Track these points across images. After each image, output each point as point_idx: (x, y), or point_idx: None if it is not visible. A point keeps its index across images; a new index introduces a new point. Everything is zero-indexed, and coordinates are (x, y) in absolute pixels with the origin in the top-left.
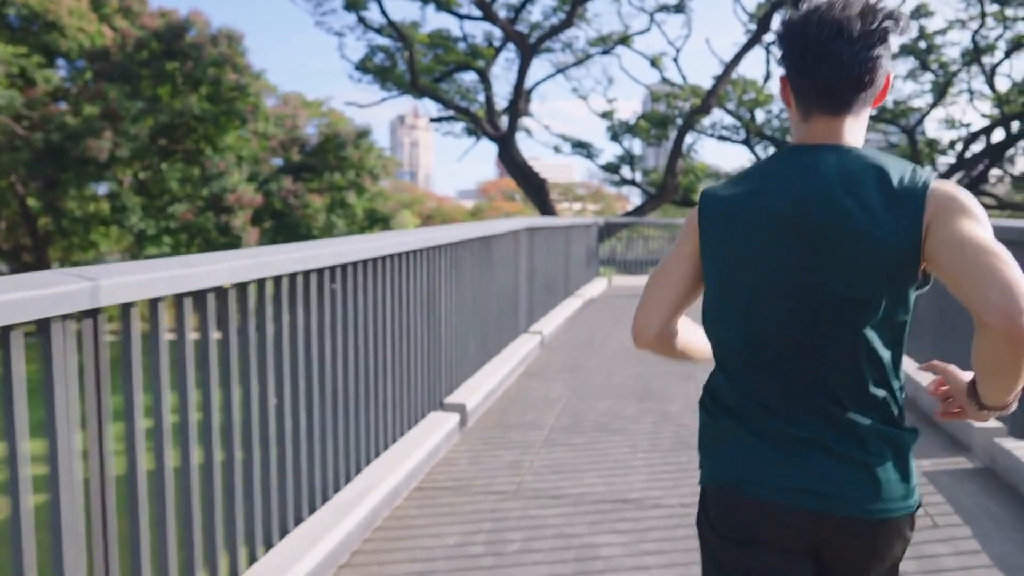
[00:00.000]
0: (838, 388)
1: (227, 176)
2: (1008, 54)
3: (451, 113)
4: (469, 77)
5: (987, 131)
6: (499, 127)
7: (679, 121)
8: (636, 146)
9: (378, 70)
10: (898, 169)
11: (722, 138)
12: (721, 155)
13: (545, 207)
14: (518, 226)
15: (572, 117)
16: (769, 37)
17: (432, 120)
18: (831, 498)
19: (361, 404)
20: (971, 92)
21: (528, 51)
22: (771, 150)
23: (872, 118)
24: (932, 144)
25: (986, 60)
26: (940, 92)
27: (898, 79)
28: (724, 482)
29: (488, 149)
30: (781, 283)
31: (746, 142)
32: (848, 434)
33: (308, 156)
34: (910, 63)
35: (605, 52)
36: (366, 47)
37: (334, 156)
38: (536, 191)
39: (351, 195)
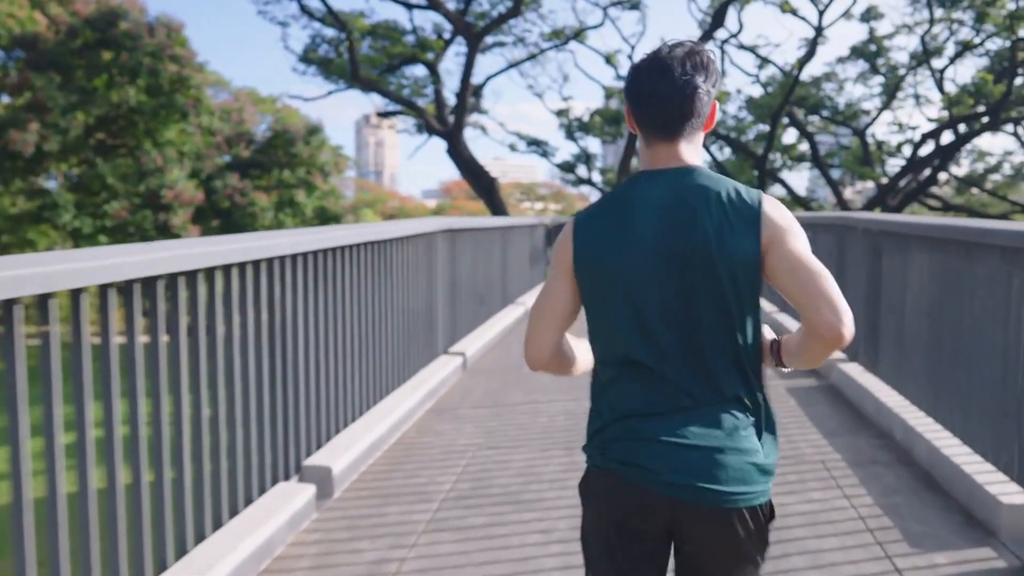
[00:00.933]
0: (702, 384)
1: (165, 172)
2: (955, 57)
3: (399, 108)
4: (420, 71)
5: (936, 133)
6: (448, 123)
7: None
8: (595, 145)
9: (321, 62)
10: (735, 188)
11: None
12: None
13: (496, 206)
14: (434, 227)
15: (536, 119)
16: (722, 34)
17: (379, 115)
18: (699, 487)
19: (187, 466)
20: (917, 97)
21: (474, 41)
22: (726, 150)
23: (824, 119)
24: (881, 146)
25: (935, 63)
26: (890, 94)
27: (848, 82)
28: (609, 467)
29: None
30: (653, 297)
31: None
32: (713, 432)
33: (257, 152)
34: (860, 66)
35: (559, 47)
36: (309, 38)
37: (284, 153)
38: (486, 189)
39: (300, 193)
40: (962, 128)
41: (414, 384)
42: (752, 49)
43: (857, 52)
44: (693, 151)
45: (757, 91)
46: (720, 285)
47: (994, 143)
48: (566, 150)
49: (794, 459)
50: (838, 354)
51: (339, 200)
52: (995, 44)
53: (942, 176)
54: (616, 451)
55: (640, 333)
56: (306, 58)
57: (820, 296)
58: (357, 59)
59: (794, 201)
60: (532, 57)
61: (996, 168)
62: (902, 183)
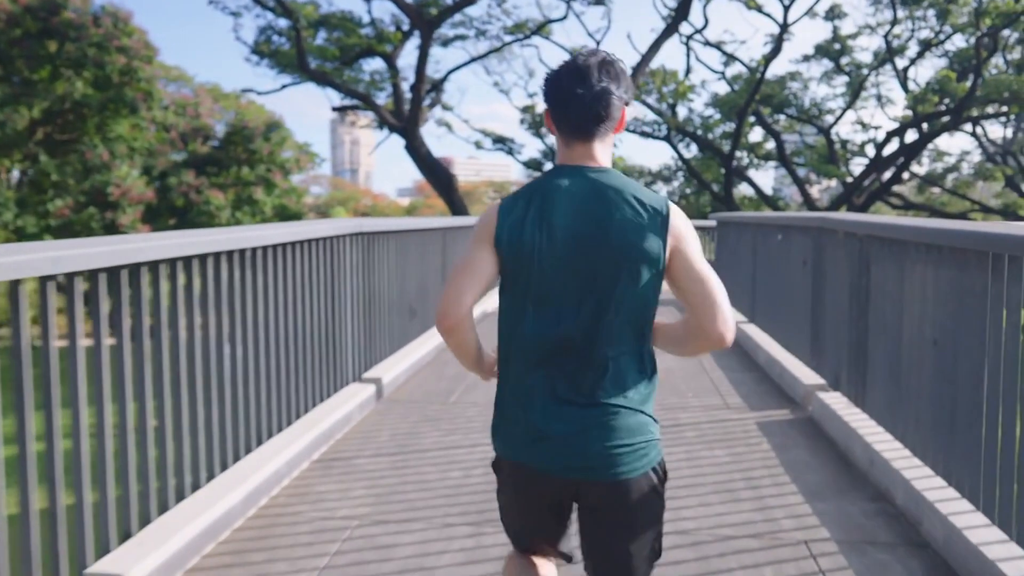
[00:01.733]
0: (599, 370)
1: (112, 168)
2: (919, 55)
3: (355, 103)
4: (379, 65)
5: (900, 131)
6: (406, 118)
7: None
8: None
9: (272, 54)
10: (644, 191)
11: (644, 134)
12: (643, 152)
13: (456, 205)
14: (339, 230)
15: (508, 118)
16: (687, 29)
17: (334, 109)
18: (592, 468)
19: None
20: (880, 97)
21: (427, 29)
22: (692, 147)
23: (790, 117)
24: (846, 145)
25: (899, 62)
26: (854, 93)
27: (812, 81)
28: (515, 458)
29: (442, 144)
30: (564, 281)
31: (667, 139)
32: (605, 410)
33: (216, 149)
34: (825, 65)
35: (522, 42)
36: (259, 29)
37: (244, 149)
38: (444, 187)
39: (259, 191)
40: (926, 126)
41: (303, 426)
42: (718, 46)
43: (822, 51)
44: (604, 151)
45: (723, 88)
46: (626, 277)
47: (951, 143)
48: (534, 147)
49: (768, 536)
50: (815, 379)
51: (300, 198)
52: (957, 43)
53: (906, 174)
54: (513, 440)
55: (535, 324)
56: (257, 50)
57: (714, 305)
58: (304, 49)
59: (761, 200)
60: (495, 51)
61: (955, 167)
62: (867, 181)
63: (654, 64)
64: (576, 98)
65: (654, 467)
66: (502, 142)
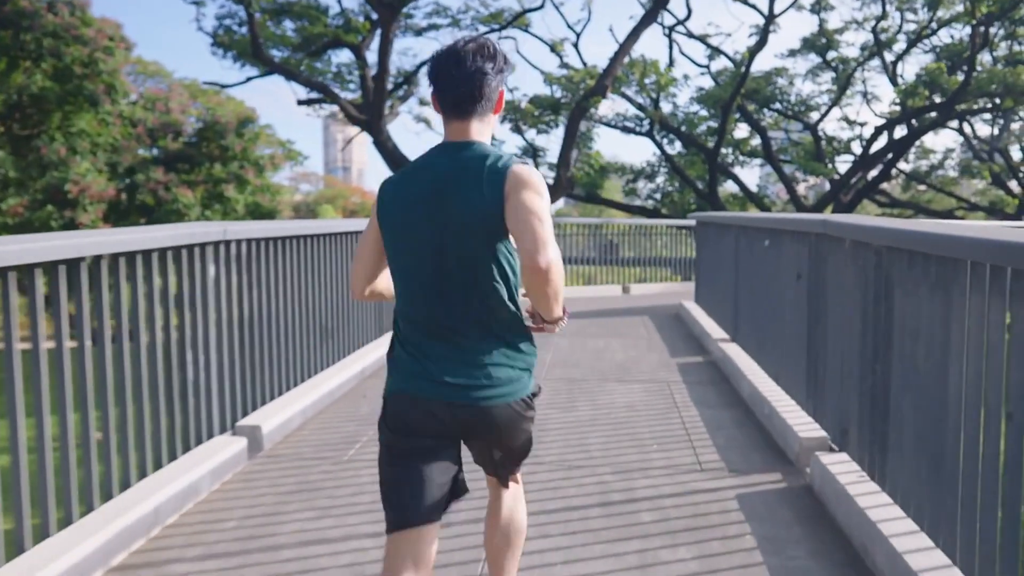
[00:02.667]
0: (463, 317)
1: (71, 164)
2: (908, 48)
3: (319, 96)
4: (348, 56)
5: (889, 127)
6: (382, 114)
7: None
8: (543, 139)
9: (232, 44)
10: (496, 157)
11: (626, 129)
12: (625, 148)
13: None
14: (195, 238)
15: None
16: (669, 20)
17: (299, 103)
18: (462, 394)
19: None
20: (866, 94)
21: (387, 13)
22: (677, 144)
23: (776, 112)
24: (831, 141)
25: (887, 57)
26: (841, 88)
27: (798, 78)
28: (399, 390)
29: (420, 142)
30: (426, 243)
31: (650, 134)
32: (472, 349)
33: (187, 145)
34: (810, 60)
35: (498, 31)
36: (217, 19)
37: (216, 146)
38: None
39: (230, 188)
40: (915, 122)
41: (114, 509)
42: (702, 39)
43: (808, 44)
44: (482, 129)
45: (708, 83)
46: (473, 243)
47: (936, 141)
48: (514, 143)
49: None
50: (814, 430)
51: (276, 196)
52: (943, 38)
53: (894, 171)
54: (401, 377)
55: (411, 282)
56: (218, 40)
57: (530, 232)
58: (258, 36)
59: (747, 197)
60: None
61: (941, 164)
62: (854, 179)
63: (635, 55)
64: (452, 79)
65: (522, 398)
66: None
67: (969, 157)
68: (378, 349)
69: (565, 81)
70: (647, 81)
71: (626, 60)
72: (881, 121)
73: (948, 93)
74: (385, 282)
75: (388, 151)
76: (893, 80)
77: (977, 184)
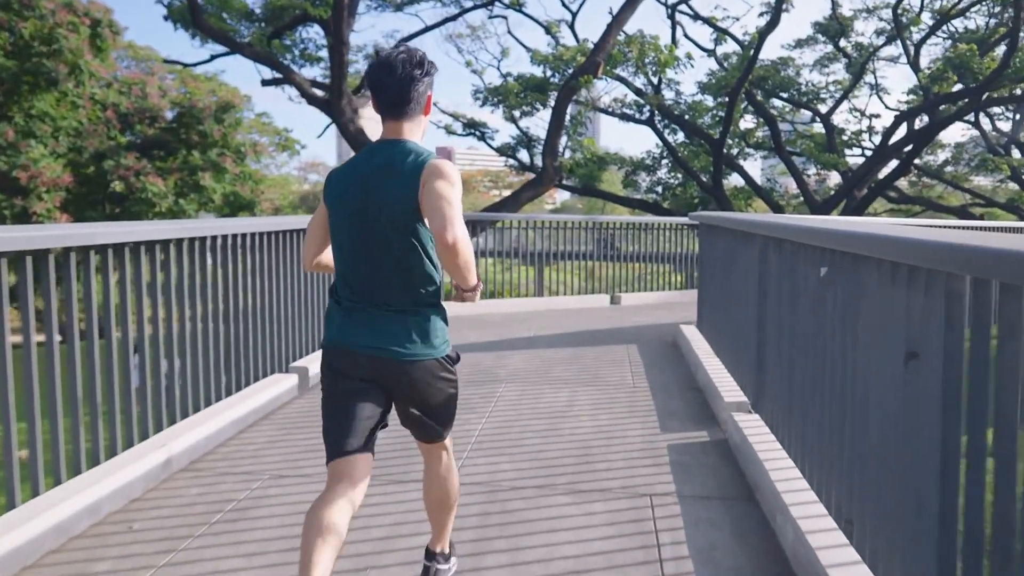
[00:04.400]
0: (387, 287)
1: (21, 149)
2: (935, 27)
3: (280, 75)
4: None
5: (909, 116)
6: (343, 93)
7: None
8: (538, 126)
9: (180, 16)
10: (418, 153)
11: (625, 117)
12: (624, 137)
13: None
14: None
15: None
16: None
17: (263, 83)
18: (382, 348)
19: None
20: (876, 86)
21: None
22: (680, 135)
23: (785, 101)
24: (842, 132)
25: (907, 39)
26: (856, 75)
27: (804, 68)
28: (332, 341)
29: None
30: (359, 224)
31: (651, 122)
32: (393, 313)
33: (163, 131)
34: (819, 51)
35: (488, 9)
36: None
37: (196, 132)
38: None
39: (207, 177)
40: (941, 108)
41: None
42: (709, 20)
43: (820, 29)
44: (413, 128)
45: (713, 68)
46: (395, 225)
47: (946, 135)
48: (507, 132)
49: None
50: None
51: (258, 185)
52: (971, 18)
53: (916, 162)
54: (335, 330)
55: (347, 256)
56: (170, 12)
57: (440, 212)
58: (197, 4)
59: (753, 191)
60: (450, 19)
61: (957, 159)
62: (870, 173)
63: (634, 34)
64: (384, 86)
65: (448, 354)
66: (474, 127)
67: (982, 151)
68: (275, 388)
69: (553, 59)
70: (646, 60)
71: (622, 37)
72: (899, 110)
73: (977, 79)
74: (328, 256)
75: (351, 135)
76: (914, 65)
77: (980, 181)
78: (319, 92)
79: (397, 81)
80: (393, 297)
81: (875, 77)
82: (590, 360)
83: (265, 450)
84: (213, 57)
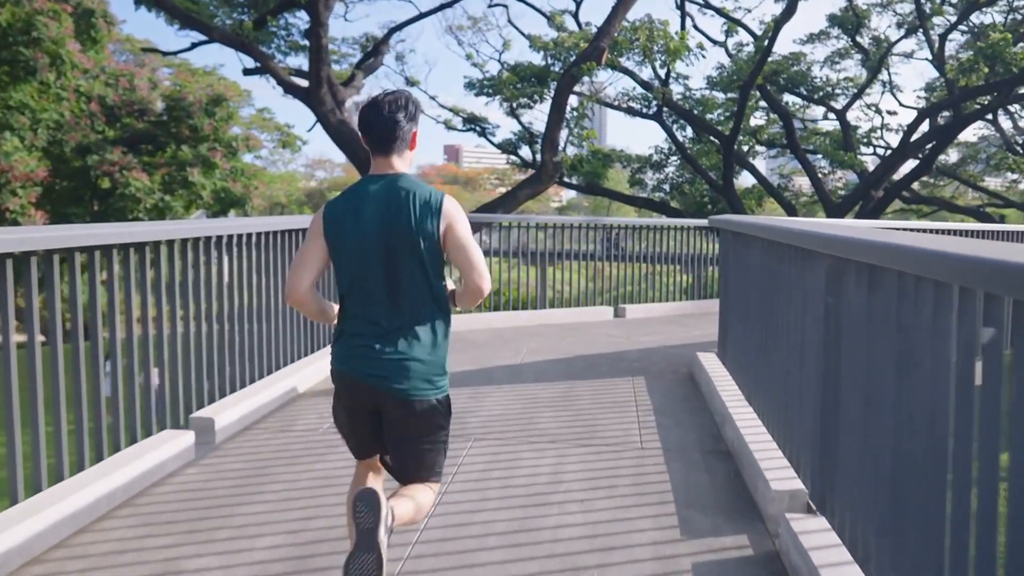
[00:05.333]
0: (395, 322)
1: None
2: (962, 17)
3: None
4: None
5: (932, 112)
6: (323, 81)
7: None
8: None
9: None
10: (425, 190)
11: (631, 111)
12: (631, 133)
13: None
14: None
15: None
16: None
17: (245, 72)
18: (384, 381)
19: None
20: (889, 84)
21: None
22: (688, 131)
23: (801, 96)
24: (855, 129)
25: (930, 30)
26: (873, 70)
27: (815, 65)
28: (339, 368)
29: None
30: (369, 257)
31: (658, 117)
32: (399, 347)
33: (152, 125)
34: (831, 46)
35: None
36: None
37: (186, 126)
38: (365, 162)
39: (195, 172)
40: (968, 104)
41: None
42: (720, 11)
43: (836, 21)
44: (402, 162)
45: (723, 60)
46: (415, 253)
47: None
48: (508, 128)
49: None
50: None
51: (249, 181)
52: (998, 10)
53: (940, 159)
54: (341, 358)
55: (360, 284)
56: None
57: (472, 266)
58: None
59: (766, 191)
60: (448, 5)
61: (974, 157)
62: (888, 171)
63: (638, 17)
64: (373, 126)
65: (438, 398)
66: (474, 122)
67: (998, 149)
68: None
69: (554, 45)
70: (655, 48)
71: (628, 24)
72: (917, 107)
73: (1011, 70)
74: (321, 300)
75: (332, 127)
76: (938, 58)
77: (988, 180)
78: (300, 81)
79: (384, 121)
80: (402, 330)
81: (888, 73)
82: (586, 401)
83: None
84: (194, 45)
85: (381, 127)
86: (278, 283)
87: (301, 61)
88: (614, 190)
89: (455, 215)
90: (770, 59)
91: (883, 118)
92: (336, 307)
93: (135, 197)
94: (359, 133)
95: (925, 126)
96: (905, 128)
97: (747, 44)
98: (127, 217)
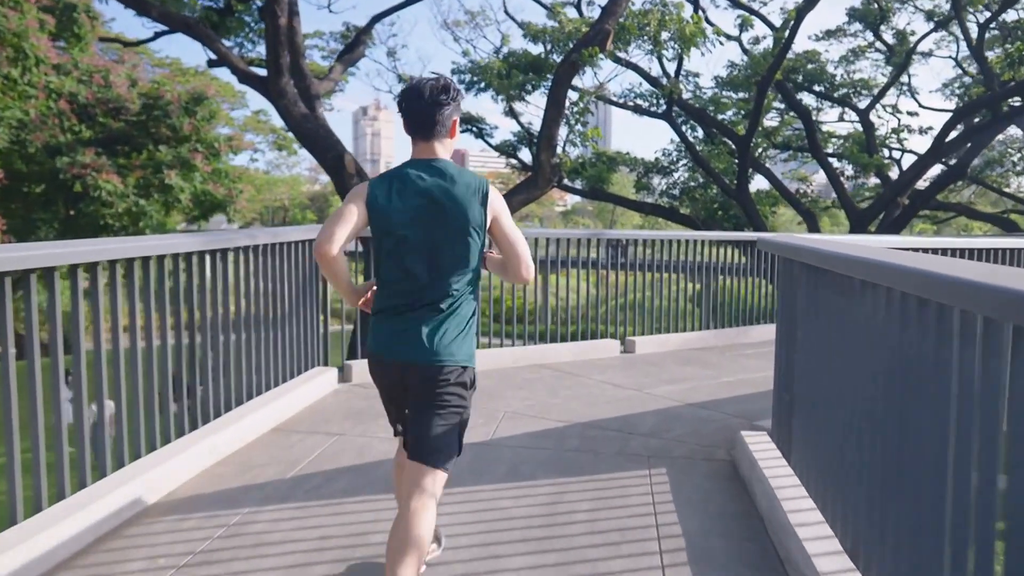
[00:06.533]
0: (432, 300)
1: None
2: (1005, 5)
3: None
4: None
5: (967, 111)
6: (282, 69)
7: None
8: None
9: None
10: (470, 176)
11: (639, 110)
12: (637, 133)
13: (347, 189)
14: None
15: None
16: None
17: (209, 63)
18: (410, 353)
19: None
20: (909, 84)
21: None
22: (699, 132)
23: (819, 95)
24: (875, 130)
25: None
26: (901, 67)
27: (830, 64)
28: (374, 349)
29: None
30: (420, 238)
31: (668, 116)
32: (432, 324)
33: (129, 125)
34: (845, 44)
35: None
36: None
37: (165, 126)
38: (333, 164)
39: (172, 175)
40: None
41: None
42: (736, 1)
43: (857, 16)
44: (443, 149)
45: (736, 62)
46: (461, 236)
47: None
48: (506, 128)
49: None
50: None
51: (234, 184)
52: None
53: (974, 162)
54: (375, 341)
55: (400, 261)
56: None
57: (519, 257)
58: None
59: (781, 196)
60: None
61: (1000, 160)
62: (917, 175)
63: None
64: (414, 111)
65: (465, 366)
66: (471, 123)
67: None
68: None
69: (553, 32)
70: (665, 35)
71: (636, 7)
72: (934, 107)
73: None
74: (343, 253)
75: (295, 121)
76: (978, 51)
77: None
78: (259, 71)
79: (425, 105)
80: (438, 311)
81: (907, 74)
82: (581, 525)
83: None
84: (157, 35)
85: (421, 111)
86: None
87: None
88: (620, 195)
89: (500, 204)
90: (787, 56)
91: (899, 120)
92: (359, 285)
93: (106, 201)
94: (402, 118)
95: (937, 127)
96: (935, 130)
97: (764, 37)
98: (99, 223)
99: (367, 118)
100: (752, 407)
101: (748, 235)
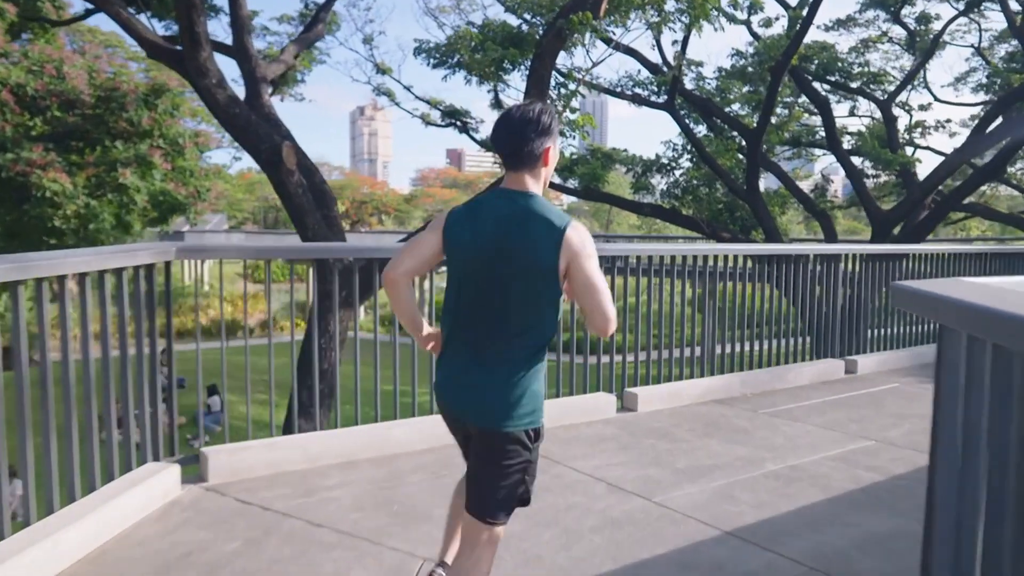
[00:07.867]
0: (495, 345)
1: None
2: None
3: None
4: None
5: (1006, 102)
6: (201, 44)
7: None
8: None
9: None
10: (549, 217)
11: (638, 99)
12: (637, 141)
13: (288, 195)
14: None
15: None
16: None
17: (149, 56)
18: (468, 412)
19: None
20: (925, 80)
21: None
22: (702, 127)
23: (835, 85)
24: (892, 123)
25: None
26: (926, 54)
27: (845, 53)
28: (438, 385)
29: (443, 135)
30: (489, 277)
31: (669, 106)
32: (495, 375)
33: (85, 119)
34: (855, 35)
35: None
36: None
37: (123, 120)
38: (268, 158)
39: (127, 173)
40: None
41: None
42: None
43: (873, 1)
44: (534, 180)
45: (743, 51)
46: (526, 276)
47: None
48: (490, 120)
49: None
50: None
51: (198, 182)
52: None
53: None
54: (439, 386)
55: (461, 301)
56: None
57: (599, 309)
58: None
59: (792, 196)
60: None
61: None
62: (949, 173)
63: None
64: (503, 140)
65: (527, 429)
66: (453, 116)
67: None
68: None
69: (531, 3)
70: (669, 7)
71: None
72: (981, 102)
73: None
74: (410, 282)
75: (219, 105)
76: (1020, 30)
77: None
78: (173, 46)
79: (512, 135)
80: (504, 356)
81: (925, 79)
82: None
83: None
84: (89, 12)
85: (508, 141)
86: None
87: (216, 27)
88: (616, 195)
89: (579, 249)
90: (803, 40)
91: (911, 116)
92: (432, 330)
93: (54, 202)
94: (285, 59)
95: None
96: (952, 123)
97: (778, 18)
98: (46, 225)
99: (364, 118)
100: (831, 537)
101: (793, 247)
